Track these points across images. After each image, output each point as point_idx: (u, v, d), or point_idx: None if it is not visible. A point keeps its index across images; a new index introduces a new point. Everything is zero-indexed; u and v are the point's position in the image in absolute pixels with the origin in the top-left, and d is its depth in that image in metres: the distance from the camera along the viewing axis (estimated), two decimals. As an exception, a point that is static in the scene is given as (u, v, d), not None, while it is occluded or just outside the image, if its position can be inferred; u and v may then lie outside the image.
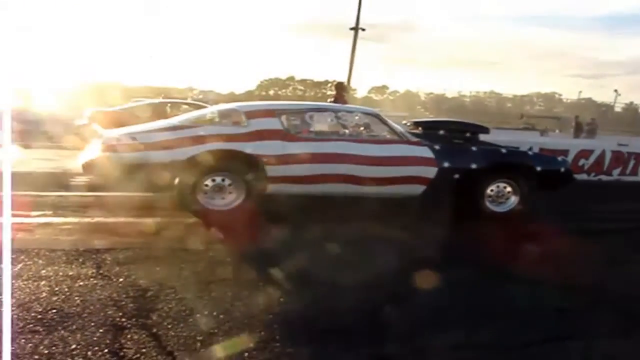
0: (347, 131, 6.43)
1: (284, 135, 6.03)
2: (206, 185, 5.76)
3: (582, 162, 11.08)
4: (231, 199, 5.84)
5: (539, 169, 6.62)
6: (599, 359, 3.17)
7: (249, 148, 5.85)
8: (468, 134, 7.15)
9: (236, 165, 5.82)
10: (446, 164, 6.33)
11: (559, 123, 43.38)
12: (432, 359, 3.03)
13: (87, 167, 5.89)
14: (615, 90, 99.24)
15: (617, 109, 70.24)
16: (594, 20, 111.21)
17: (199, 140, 5.76)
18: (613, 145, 11.76)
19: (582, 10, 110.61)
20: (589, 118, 27.84)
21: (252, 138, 5.90)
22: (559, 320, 3.63)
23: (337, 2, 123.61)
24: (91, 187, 6.56)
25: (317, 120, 6.56)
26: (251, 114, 6.11)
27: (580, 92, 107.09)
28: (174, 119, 6.72)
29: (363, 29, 28.68)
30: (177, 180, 5.67)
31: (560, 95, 75.64)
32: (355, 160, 6.10)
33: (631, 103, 73.06)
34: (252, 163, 5.84)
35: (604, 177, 11.12)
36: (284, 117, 6.19)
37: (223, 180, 5.81)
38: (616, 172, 11.39)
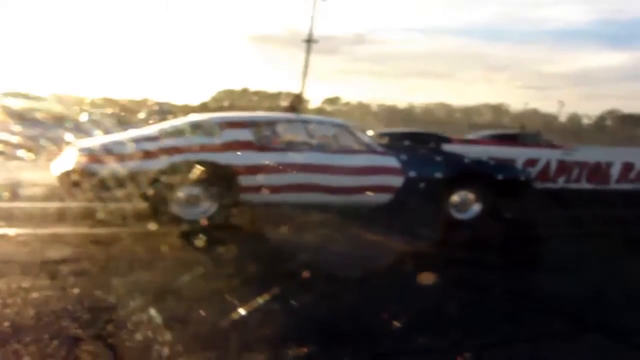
0: (317, 142, 6.57)
1: (255, 145, 6.13)
2: (179, 195, 5.80)
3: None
4: (204, 209, 5.89)
5: (500, 177, 6.88)
6: None
7: (221, 158, 5.92)
8: (432, 144, 7.40)
9: (209, 175, 5.83)
10: (412, 173, 6.53)
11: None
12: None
13: (63, 178, 5.82)
14: (560, 101, 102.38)
15: (562, 119, 72.34)
16: (540, 34, 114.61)
17: (172, 150, 5.81)
18: (558, 155, 12.11)
19: (529, 24, 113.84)
20: (534, 128, 28.55)
21: (224, 148, 5.98)
22: (509, 324, 3.73)
23: (290, 15, 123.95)
24: (47, 198, 6.43)
25: (288, 131, 6.75)
26: (224, 125, 6.21)
27: (527, 103, 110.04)
28: (147, 129, 6.72)
29: (316, 41, 28.89)
30: (150, 191, 5.68)
31: (507, 106, 77.71)
32: (324, 170, 6.25)
33: (575, 114, 75.43)
34: (225, 173, 5.91)
35: (550, 185, 11.43)
36: (255, 128, 6.29)
37: (196, 190, 5.84)
38: (561, 180, 11.74)
